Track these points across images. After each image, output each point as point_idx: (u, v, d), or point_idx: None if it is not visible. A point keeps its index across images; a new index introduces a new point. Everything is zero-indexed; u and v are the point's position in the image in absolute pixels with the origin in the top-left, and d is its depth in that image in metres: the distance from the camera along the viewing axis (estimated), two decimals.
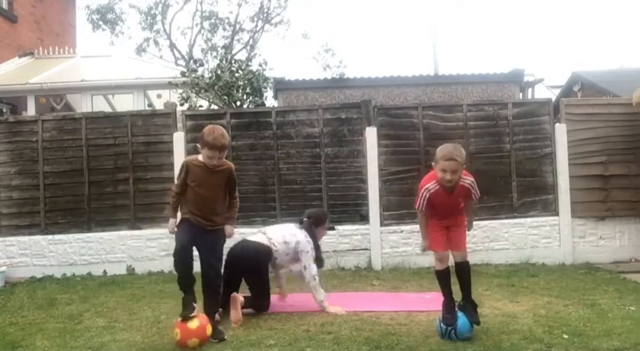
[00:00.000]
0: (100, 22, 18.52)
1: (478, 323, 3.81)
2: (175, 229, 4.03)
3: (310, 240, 4.68)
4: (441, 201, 3.78)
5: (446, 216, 3.87)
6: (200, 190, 3.93)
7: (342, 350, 3.63)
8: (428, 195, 3.75)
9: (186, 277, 3.88)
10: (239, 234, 6.64)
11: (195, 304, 3.85)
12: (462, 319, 3.77)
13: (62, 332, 4.21)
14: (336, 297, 5.00)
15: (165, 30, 18.60)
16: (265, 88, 9.51)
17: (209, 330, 3.81)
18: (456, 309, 3.84)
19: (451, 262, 3.91)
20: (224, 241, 4.11)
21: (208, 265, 3.96)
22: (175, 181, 4.23)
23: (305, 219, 4.84)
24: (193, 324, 3.75)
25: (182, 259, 3.84)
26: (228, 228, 4.12)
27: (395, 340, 3.77)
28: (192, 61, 11.28)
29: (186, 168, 3.99)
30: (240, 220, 6.82)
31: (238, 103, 8.97)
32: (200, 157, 3.93)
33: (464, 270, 3.88)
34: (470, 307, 3.85)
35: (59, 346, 3.87)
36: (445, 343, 3.69)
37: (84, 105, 10.23)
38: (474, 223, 6.43)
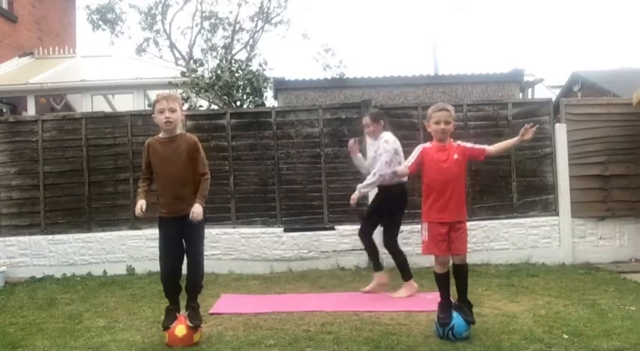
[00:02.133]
0: (100, 22, 18.59)
1: (474, 322, 3.82)
2: (143, 210, 3.77)
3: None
4: (436, 159, 3.82)
5: (444, 188, 3.80)
6: (164, 168, 3.84)
7: (342, 350, 3.63)
8: (421, 149, 3.89)
9: (172, 289, 3.92)
10: (239, 234, 6.76)
11: (177, 314, 3.88)
12: (457, 318, 3.77)
13: (62, 332, 4.21)
14: (337, 297, 5.00)
15: (165, 30, 18.67)
16: (265, 88, 9.52)
17: (197, 337, 3.82)
18: (452, 309, 3.85)
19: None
20: (204, 230, 3.95)
21: (188, 259, 3.90)
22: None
23: None
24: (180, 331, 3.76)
25: (169, 281, 3.89)
26: (195, 207, 3.73)
27: (395, 340, 3.77)
28: (192, 61, 11.29)
29: (148, 146, 3.94)
30: (240, 220, 6.87)
31: (238, 103, 8.98)
32: (161, 134, 3.91)
33: (462, 272, 3.89)
34: (465, 306, 3.86)
35: (59, 346, 3.87)
36: (445, 343, 3.69)
37: (84, 105, 10.23)
38: (475, 222, 6.57)
